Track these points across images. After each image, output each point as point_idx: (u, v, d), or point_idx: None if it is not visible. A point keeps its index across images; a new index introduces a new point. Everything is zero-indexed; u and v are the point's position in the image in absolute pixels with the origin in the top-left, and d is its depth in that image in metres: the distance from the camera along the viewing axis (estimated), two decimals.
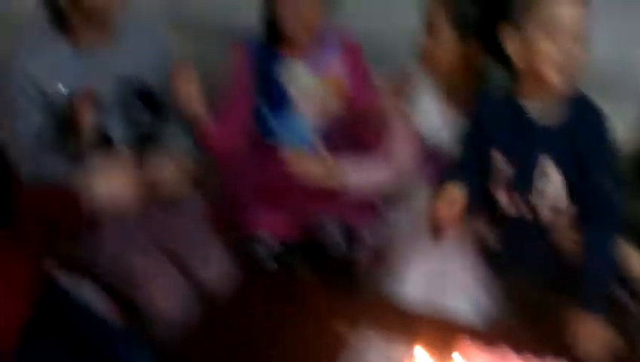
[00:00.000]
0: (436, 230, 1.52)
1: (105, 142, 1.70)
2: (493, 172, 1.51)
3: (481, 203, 1.54)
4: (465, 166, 1.55)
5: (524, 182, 1.49)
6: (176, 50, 1.86)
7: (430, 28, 1.59)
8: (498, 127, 1.50)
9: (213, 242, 1.74)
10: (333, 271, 1.76)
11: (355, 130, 1.80)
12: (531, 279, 1.55)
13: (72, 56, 1.65)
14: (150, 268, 1.62)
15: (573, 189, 1.46)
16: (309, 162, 1.70)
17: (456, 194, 1.48)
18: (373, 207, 1.83)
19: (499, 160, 1.51)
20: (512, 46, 1.43)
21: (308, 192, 1.75)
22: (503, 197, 1.53)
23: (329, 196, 1.74)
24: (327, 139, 1.82)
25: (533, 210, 1.51)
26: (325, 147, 1.80)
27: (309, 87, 1.79)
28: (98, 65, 1.66)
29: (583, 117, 1.45)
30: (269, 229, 1.78)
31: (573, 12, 1.38)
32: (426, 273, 1.60)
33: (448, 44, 1.58)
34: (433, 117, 1.67)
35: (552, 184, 1.47)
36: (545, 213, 1.50)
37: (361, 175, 1.73)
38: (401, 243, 1.72)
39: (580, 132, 1.45)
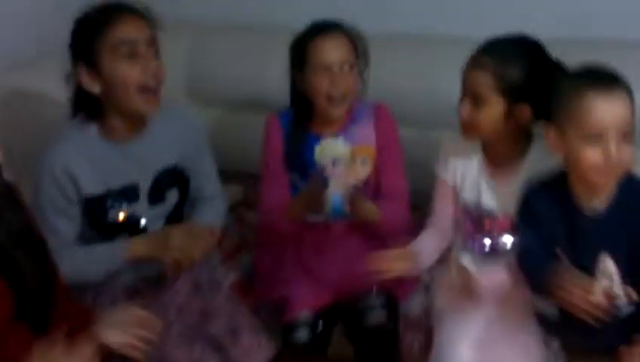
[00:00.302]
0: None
1: (135, 228, 1.67)
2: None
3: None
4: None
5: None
6: (203, 126, 1.87)
7: (477, 98, 1.50)
8: (553, 220, 1.41)
9: (246, 317, 1.67)
10: (372, 341, 1.70)
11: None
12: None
13: (108, 151, 1.62)
14: (193, 357, 1.54)
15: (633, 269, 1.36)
16: (392, 258, 1.58)
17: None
18: (414, 276, 1.75)
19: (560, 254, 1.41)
20: (555, 147, 1.37)
21: (350, 260, 1.70)
22: None
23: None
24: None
25: None
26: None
27: (343, 158, 1.74)
28: (136, 160, 1.64)
29: (633, 197, 1.37)
30: (308, 305, 1.71)
31: (613, 109, 1.29)
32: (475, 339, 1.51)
33: (497, 113, 1.50)
34: (477, 185, 1.62)
35: (610, 277, 1.36)
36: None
37: (425, 252, 1.65)
38: (442, 312, 1.64)
39: (632, 213, 1.36)
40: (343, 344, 1.75)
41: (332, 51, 1.70)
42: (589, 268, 1.36)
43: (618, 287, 1.35)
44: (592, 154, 1.30)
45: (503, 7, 2.19)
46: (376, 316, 1.70)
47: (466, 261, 1.62)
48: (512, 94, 1.48)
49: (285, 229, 1.77)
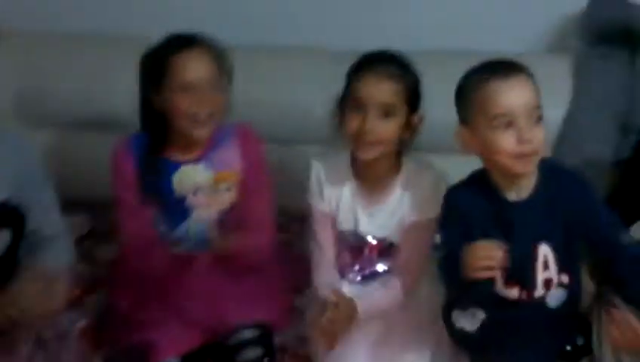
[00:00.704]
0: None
1: None
2: None
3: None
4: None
5: (520, 270, 1.37)
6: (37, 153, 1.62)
7: (387, 109, 1.46)
8: (482, 217, 1.38)
9: None
10: None
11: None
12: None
13: None
14: None
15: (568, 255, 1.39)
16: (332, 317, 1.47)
17: None
18: (289, 306, 1.68)
19: None
20: (469, 146, 1.35)
21: (217, 295, 1.58)
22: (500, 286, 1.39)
23: (243, 297, 1.58)
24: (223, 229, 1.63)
25: (528, 290, 1.39)
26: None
27: (205, 186, 1.60)
28: None
29: (555, 182, 1.37)
30: (176, 350, 1.55)
31: (516, 92, 1.29)
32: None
33: (402, 124, 1.49)
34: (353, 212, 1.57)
35: (547, 264, 1.37)
36: (539, 290, 1.39)
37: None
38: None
39: (558, 198, 1.36)
40: None
41: (195, 68, 1.53)
42: (526, 257, 1.36)
43: (554, 274, 1.36)
44: (505, 140, 1.28)
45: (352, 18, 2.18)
46: (251, 351, 1.57)
47: (345, 289, 1.56)
48: (412, 103, 1.48)
49: (149, 267, 1.59)
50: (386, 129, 1.46)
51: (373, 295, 1.54)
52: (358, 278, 1.60)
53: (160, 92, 1.56)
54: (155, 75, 1.56)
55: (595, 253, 1.43)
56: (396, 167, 1.55)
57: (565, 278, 1.38)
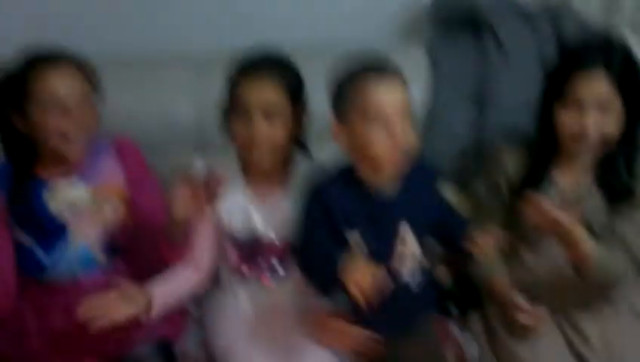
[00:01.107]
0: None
1: None
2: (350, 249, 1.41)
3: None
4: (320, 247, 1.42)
5: (383, 253, 1.42)
6: None
7: (270, 112, 1.46)
8: (347, 208, 1.41)
9: None
10: None
11: (143, 240, 1.56)
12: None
13: None
14: None
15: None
16: (109, 302, 1.39)
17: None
18: (184, 313, 1.63)
19: (355, 239, 1.42)
20: (342, 142, 1.39)
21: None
22: None
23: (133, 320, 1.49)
24: (112, 251, 1.58)
25: (394, 273, 1.44)
26: (111, 259, 1.57)
27: (83, 202, 1.53)
28: None
29: (418, 179, 1.45)
30: None
31: (390, 91, 1.35)
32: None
33: (289, 123, 1.49)
34: (246, 213, 1.55)
35: (410, 247, 1.44)
36: (405, 273, 1.46)
37: (166, 290, 1.50)
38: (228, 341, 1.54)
39: (420, 193, 1.45)
40: None
41: (63, 84, 1.47)
42: (391, 243, 1.42)
43: (415, 257, 1.44)
44: (378, 138, 1.33)
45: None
46: None
47: (239, 290, 1.57)
48: (295, 99, 1.48)
49: (9, 306, 1.49)
50: (273, 131, 1.46)
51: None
52: (252, 276, 1.59)
53: (23, 113, 1.48)
54: (16, 95, 1.48)
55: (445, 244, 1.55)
56: (287, 167, 1.55)
57: (424, 262, 1.48)
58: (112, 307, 1.38)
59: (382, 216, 1.43)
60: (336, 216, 1.41)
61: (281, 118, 1.47)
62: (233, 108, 1.48)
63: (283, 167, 1.55)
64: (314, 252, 1.41)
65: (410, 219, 1.45)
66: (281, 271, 1.59)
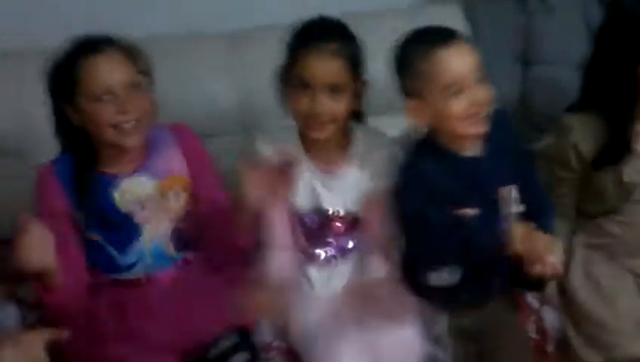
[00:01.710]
0: None
1: None
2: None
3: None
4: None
5: (493, 222, 1.40)
6: None
7: (335, 88, 1.41)
8: (447, 186, 1.38)
9: None
10: None
11: (212, 228, 1.51)
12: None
13: None
14: None
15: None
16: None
17: None
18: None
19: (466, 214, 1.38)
20: (419, 116, 1.37)
21: (183, 312, 1.46)
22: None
23: (212, 306, 1.47)
24: (183, 244, 1.52)
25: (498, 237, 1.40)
26: (183, 252, 1.52)
27: (151, 197, 1.47)
28: None
29: (495, 129, 1.40)
30: None
31: (458, 58, 1.32)
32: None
33: (352, 97, 1.46)
34: (312, 190, 1.50)
35: (514, 205, 1.42)
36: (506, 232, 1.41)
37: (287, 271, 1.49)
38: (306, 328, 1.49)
39: (502, 144, 1.42)
40: None
41: (110, 72, 1.40)
42: (493, 201, 1.39)
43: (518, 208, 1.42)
44: (458, 106, 1.32)
45: None
46: (238, 357, 1.47)
47: (313, 273, 1.52)
48: (357, 72, 1.45)
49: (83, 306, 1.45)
50: (337, 107, 1.41)
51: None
52: (325, 258, 1.54)
53: (75, 105, 1.41)
54: (66, 87, 1.41)
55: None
56: (347, 137, 1.51)
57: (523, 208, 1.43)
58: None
59: (476, 182, 1.40)
60: (437, 191, 1.37)
61: (346, 92, 1.43)
62: (294, 84, 1.43)
63: (343, 138, 1.50)
64: (420, 224, 1.37)
65: (503, 178, 1.42)
66: (350, 247, 1.54)
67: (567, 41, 2.01)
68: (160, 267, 1.50)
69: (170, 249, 1.50)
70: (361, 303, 1.47)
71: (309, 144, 1.50)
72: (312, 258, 1.55)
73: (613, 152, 1.53)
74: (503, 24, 2.07)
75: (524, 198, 1.44)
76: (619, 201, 1.55)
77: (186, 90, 1.95)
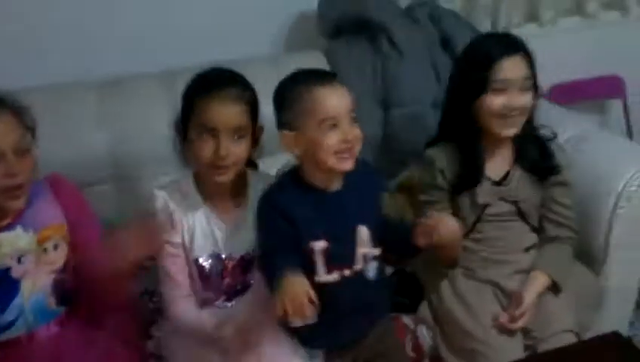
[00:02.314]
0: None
1: None
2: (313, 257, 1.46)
3: None
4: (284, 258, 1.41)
5: (343, 252, 1.49)
6: None
7: (239, 131, 1.47)
8: (305, 218, 1.45)
9: None
10: None
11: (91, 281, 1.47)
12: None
13: None
14: None
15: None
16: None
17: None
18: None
19: (316, 246, 1.45)
20: (293, 147, 1.45)
21: None
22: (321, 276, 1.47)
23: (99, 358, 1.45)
24: (64, 297, 1.49)
25: (350, 267, 1.50)
26: (64, 307, 1.48)
27: (30, 251, 1.43)
28: None
29: (359, 175, 1.51)
30: None
31: (338, 96, 1.43)
32: None
33: (250, 141, 1.52)
34: (211, 236, 1.54)
35: (365, 243, 1.50)
36: (359, 264, 1.51)
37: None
38: None
39: (367, 188, 1.52)
40: None
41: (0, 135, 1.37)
42: (348, 239, 1.49)
43: (370, 249, 1.50)
44: (331, 139, 1.41)
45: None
46: None
47: (211, 316, 1.52)
48: (255, 117, 1.52)
49: None
50: (240, 150, 1.47)
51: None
52: (225, 299, 1.57)
53: None
54: None
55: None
56: (244, 181, 1.56)
57: (377, 251, 1.54)
58: None
59: (337, 217, 1.49)
60: (295, 222, 1.45)
61: (247, 136, 1.50)
62: (197, 128, 1.47)
63: (239, 183, 1.55)
64: (272, 261, 1.42)
65: (362, 217, 1.51)
66: (244, 288, 1.58)
67: (419, 84, 2.15)
68: (41, 323, 1.45)
69: (52, 303, 1.46)
70: (242, 345, 1.49)
71: (206, 190, 1.54)
72: (208, 302, 1.57)
73: (468, 178, 1.72)
74: (362, 68, 2.18)
75: (384, 239, 1.54)
76: (473, 220, 1.73)
77: (56, 141, 1.90)
